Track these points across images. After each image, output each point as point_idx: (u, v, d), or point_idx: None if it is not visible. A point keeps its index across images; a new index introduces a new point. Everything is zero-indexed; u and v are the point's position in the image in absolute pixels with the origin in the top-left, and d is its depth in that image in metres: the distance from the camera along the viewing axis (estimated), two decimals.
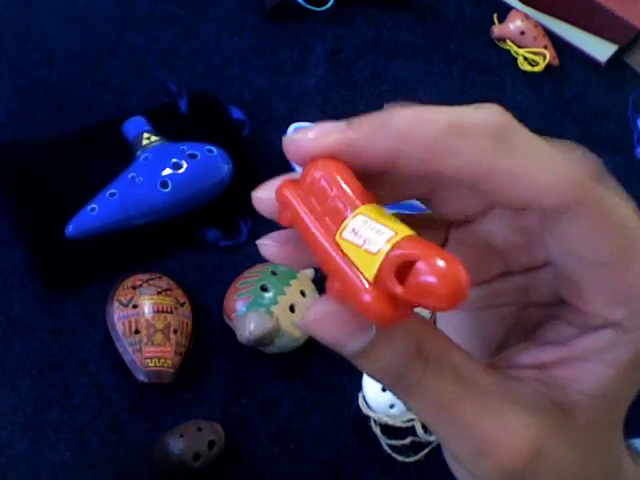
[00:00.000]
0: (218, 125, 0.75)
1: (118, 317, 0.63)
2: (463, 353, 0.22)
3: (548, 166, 0.20)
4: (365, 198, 0.21)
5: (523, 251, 0.24)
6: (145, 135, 0.69)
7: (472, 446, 0.22)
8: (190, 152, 0.68)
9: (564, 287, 0.23)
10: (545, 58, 0.90)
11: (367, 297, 0.19)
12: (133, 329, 0.62)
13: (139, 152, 0.69)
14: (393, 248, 0.19)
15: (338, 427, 0.66)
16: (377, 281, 0.19)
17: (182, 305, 0.65)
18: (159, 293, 0.64)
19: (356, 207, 0.21)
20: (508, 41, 0.92)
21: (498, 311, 0.26)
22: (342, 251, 0.20)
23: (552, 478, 0.22)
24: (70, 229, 0.65)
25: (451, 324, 0.27)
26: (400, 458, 0.64)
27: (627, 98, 0.92)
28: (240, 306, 0.64)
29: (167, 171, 0.67)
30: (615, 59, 0.94)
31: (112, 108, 0.77)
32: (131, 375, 0.62)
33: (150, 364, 0.62)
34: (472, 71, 0.90)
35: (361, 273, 0.20)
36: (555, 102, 0.91)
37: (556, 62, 0.92)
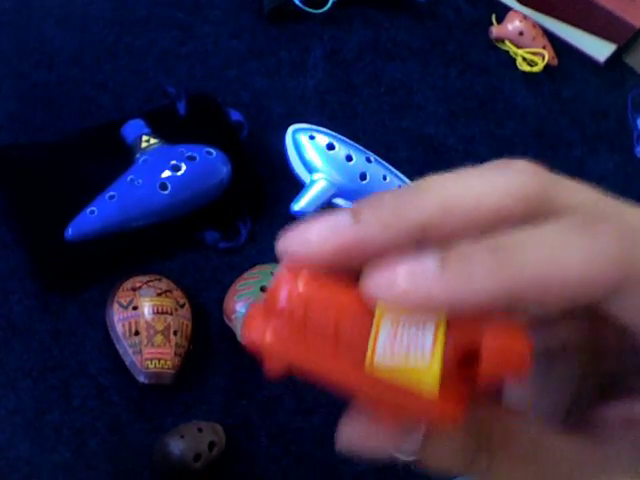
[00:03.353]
0: (217, 127, 0.75)
1: (118, 319, 0.63)
2: (534, 426, 0.20)
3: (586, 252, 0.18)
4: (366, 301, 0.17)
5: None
6: (144, 138, 0.69)
7: None
8: (189, 154, 0.68)
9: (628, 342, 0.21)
10: (544, 58, 0.90)
11: (436, 407, 0.17)
12: (133, 331, 0.62)
13: (138, 155, 0.69)
14: (445, 348, 0.17)
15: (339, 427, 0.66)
16: (441, 390, 0.17)
17: (182, 306, 0.65)
18: (159, 295, 0.64)
19: (369, 317, 0.17)
20: (507, 42, 0.92)
21: (565, 363, 0.23)
22: (382, 380, 0.17)
23: None
24: (69, 232, 0.65)
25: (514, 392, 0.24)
26: (402, 458, 0.64)
27: (626, 97, 0.92)
28: (240, 307, 0.64)
29: (166, 173, 0.67)
30: (614, 59, 0.94)
31: (111, 110, 0.77)
32: (131, 376, 0.62)
33: (150, 365, 0.62)
34: (470, 72, 0.91)
35: (417, 392, 0.17)
36: (554, 102, 0.91)
37: (555, 62, 0.92)
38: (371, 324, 0.17)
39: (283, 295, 0.17)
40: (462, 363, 0.17)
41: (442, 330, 0.17)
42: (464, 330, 0.17)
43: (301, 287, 0.17)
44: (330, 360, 0.17)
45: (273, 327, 0.17)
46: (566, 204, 0.19)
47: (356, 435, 0.19)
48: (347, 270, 0.18)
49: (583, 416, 0.21)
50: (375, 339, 0.17)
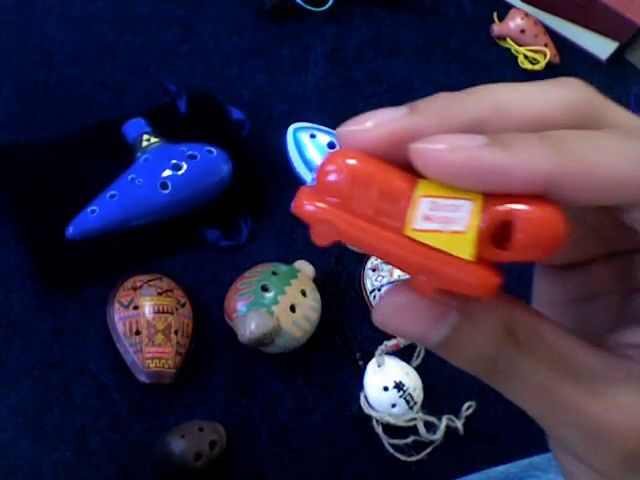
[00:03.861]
0: (217, 125, 0.75)
1: (119, 318, 0.63)
2: (561, 331, 0.20)
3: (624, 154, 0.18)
4: (410, 179, 0.19)
5: (622, 231, 0.21)
6: (145, 137, 0.69)
7: (583, 433, 0.20)
8: (190, 153, 0.68)
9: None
10: (546, 56, 0.90)
11: (472, 272, 0.18)
12: (134, 330, 0.62)
13: (139, 153, 0.69)
14: (481, 217, 0.18)
15: (340, 426, 0.66)
16: (477, 257, 0.18)
17: (183, 306, 0.65)
18: (160, 294, 0.64)
19: (410, 192, 0.18)
20: (508, 39, 0.91)
21: (602, 299, 0.24)
22: (421, 244, 0.18)
23: None
24: (70, 231, 0.65)
25: (554, 317, 0.24)
26: (402, 457, 0.64)
27: (629, 94, 0.91)
28: (241, 306, 0.64)
29: (167, 172, 0.67)
30: (616, 56, 0.94)
31: (111, 109, 0.77)
32: (132, 375, 0.63)
33: (151, 365, 0.62)
34: (472, 69, 0.90)
35: (454, 256, 0.18)
36: None
37: (557, 60, 0.91)
38: (412, 198, 0.18)
39: (330, 169, 0.19)
40: (498, 237, 0.18)
41: (479, 204, 0.18)
42: (501, 204, 0.18)
43: (349, 162, 0.19)
44: (374, 227, 0.18)
45: (321, 197, 0.19)
46: (611, 120, 0.20)
47: (394, 307, 0.19)
48: (398, 161, 0.19)
49: (610, 339, 0.22)
50: (416, 208, 0.18)
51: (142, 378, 0.62)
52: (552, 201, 0.18)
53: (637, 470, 0.20)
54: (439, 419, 0.65)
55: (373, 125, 0.19)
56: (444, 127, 0.19)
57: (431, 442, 0.65)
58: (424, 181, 0.18)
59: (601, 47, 0.93)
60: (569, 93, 0.20)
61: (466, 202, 0.18)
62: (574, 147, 0.18)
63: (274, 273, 0.66)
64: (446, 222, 0.18)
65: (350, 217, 0.19)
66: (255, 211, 0.72)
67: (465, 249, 0.18)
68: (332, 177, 0.19)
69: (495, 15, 0.93)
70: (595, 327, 0.24)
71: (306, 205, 0.19)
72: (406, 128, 0.19)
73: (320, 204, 0.19)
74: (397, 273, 0.69)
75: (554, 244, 0.18)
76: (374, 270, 0.71)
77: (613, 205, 0.19)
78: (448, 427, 0.65)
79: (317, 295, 0.67)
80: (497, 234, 0.18)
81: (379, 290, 0.70)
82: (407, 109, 0.19)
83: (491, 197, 0.18)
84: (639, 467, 0.20)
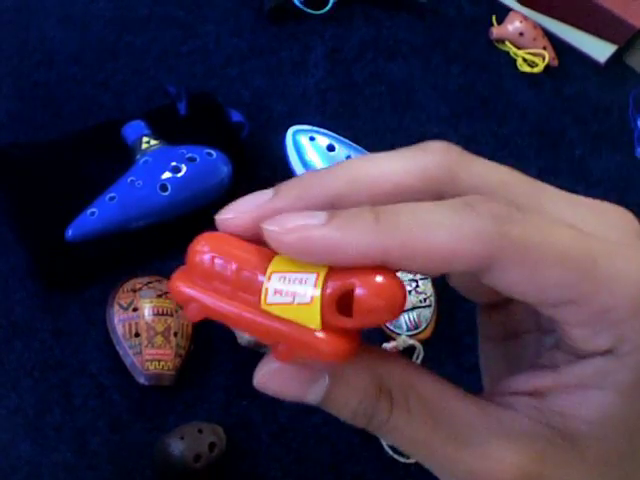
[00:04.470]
0: (217, 127, 0.75)
1: (118, 320, 0.63)
2: (436, 384, 0.22)
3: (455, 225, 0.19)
4: (267, 255, 0.21)
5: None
6: (144, 139, 0.70)
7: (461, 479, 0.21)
8: (189, 155, 0.68)
9: (544, 320, 0.22)
10: (544, 59, 0.90)
11: (320, 340, 0.19)
12: (133, 332, 0.63)
13: (139, 156, 0.69)
14: (324, 288, 0.19)
15: (340, 427, 0.66)
16: (323, 325, 0.19)
17: (182, 308, 0.65)
18: (159, 296, 0.64)
19: (265, 268, 0.20)
20: (507, 42, 0.91)
21: (523, 339, 0.25)
22: (275, 316, 0.20)
23: None
24: (70, 233, 0.65)
25: (490, 352, 0.26)
26: (402, 459, 0.65)
27: (627, 98, 0.92)
28: None
29: (167, 174, 0.67)
30: (614, 59, 0.94)
31: (111, 109, 0.77)
32: (132, 376, 0.63)
33: (150, 367, 0.62)
34: (472, 70, 0.90)
35: (304, 326, 0.20)
36: (556, 101, 0.91)
37: (555, 63, 0.92)
38: (267, 273, 0.20)
39: (196, 249, 0.21)
40: (344, 306, 0.19)
41: (323, 276, 0.19)
42: (342, 275, 0.19)
43: (210, 244, 0.21)
44: (234, 303, 0.20)
45: (191, 277, 0.21)
46: (467, 183, 0.21)
47: (269, 374, 0.21)
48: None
49: (500, 385, 0.23)
50: (269, 283, 0.20)
51: (141, 380, 0.62)
52: (391, 270, 0.19)
53: None
54: None
55: (239, 213, 0.22)
56: (303, 207, 0.21)
57: None
58: (278, 257, 0.20)
59: (599, 50, 0.93)
60: (425, 160, 0.21)
61: (311, 275, 0.20)
62: (401, 223, 0.19)
63: None
64: (293, 295, 0.20)
65: (214, 295, 0.21)
66: None
67: (312, 319, 0.19)
68: (197, 257, 0.21)
69: (494, 18, 0.93)
70: (521, 365, 0.25)
71: (178, 286, 0.21)
72: (270, 210, 0.21)
73: (186, 285, 0.21)
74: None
75: (393, 308, 0.19)
76: None
77: (451, 272, 0.21)
78: None
79: None
80: (343, 303, 0.19)
81: None
82: (271, 193, 0.22)
83: (336, 269, 0.19)
84: None
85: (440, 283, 0.70)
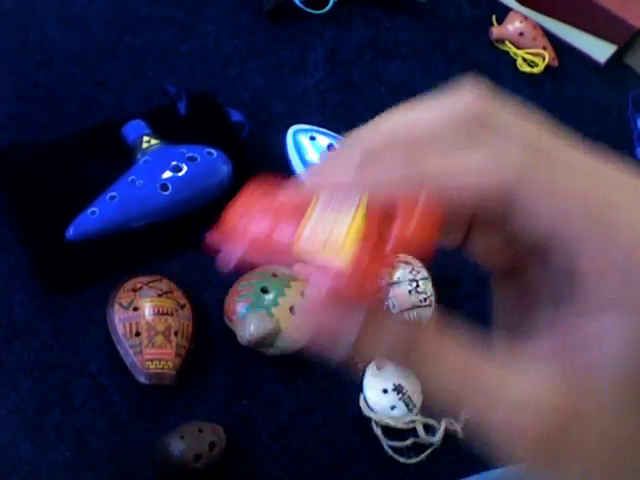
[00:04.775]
0: (217, 127, 0.75)
1: (119, 319, 0.63)
2: (464, 345, 0.22)
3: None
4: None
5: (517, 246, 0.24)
6: (145, 138, 0.70)
7: (501, 411, 0.21)
8: (190, 155, 0.68)
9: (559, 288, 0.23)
10: (544, 59, 0.90)
11: (351, 284, 0.20)
12: (134, 331, 0.63)
13: (139, 155, 0.69)
14: (362, 229, 0.20)
15: (339, 427, 0.66)
16: (354, 265, 0.20)
17: (183, 307, 0.65)
18: (159, 295, 0.64)
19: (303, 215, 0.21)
20: (507, 42, 0.92)
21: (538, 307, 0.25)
22: (309, 263, 0.21)
23: (596, 438, 0.21)
24: (70, 232, 0.65)
25: (506, 323, 0.27)
26: (401, 460, 0.65)
27: (627, 98, 0.92)
28: (241, 308, 0.65)
29: (167, 174, 0.67)
30: (614, 59, 0.94)
31: (111, 110, 0.77)
32: (132, 376, 0.63)
33: (151, 366, 0.62)
34: (472, 70, 0.91)
35: (333, 269, 0.20)
36: (556, 101, 0.91)
37: (555, 63, 0.92)
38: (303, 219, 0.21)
39: (237, 203, 0.22)
40: (377, 246, 0.20)
41: (359, 217, 0.20)
42: (378, 217, 0.20)
43: (248, 196, 0.22)
44: (272, 248, 0.21)
45: (230, 229, 0.22)
46: (498, 128, 0.22)
47: (310, 319, 0.22)
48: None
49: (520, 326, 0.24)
50: (303, 228, 0.21)
51: (142, 379, 0.62)
52: (429, 213, 0.21)
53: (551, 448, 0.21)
54: (438, 422, 0.66)
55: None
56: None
57: (430, 444, 0.65)
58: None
59: (599, 50, 0.94)
60: (457, 108, 0.23)
61: (347, 215, 0.21)
62: (433, 165, 0.22)
63: (274, 275, 0.67)
64: (327, 237, 0.21)
65: (252, 243, 0.22)
66: None
67: (340, 262, 0.20)
68: (236, 210, 0.23)
69: (494, 18, 0.93)
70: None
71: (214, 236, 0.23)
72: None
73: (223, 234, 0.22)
74: (397, 275, 0.69)
75: (425, 250, 0.20)
76: None
77: (480, 208, 0.22)
78: (447, 430, 0.65)
79: None
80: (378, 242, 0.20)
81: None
82: (351, 162, 0.23)
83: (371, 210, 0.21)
84: (550, 442, 0.21)
85: (440, 283, 0.70)
